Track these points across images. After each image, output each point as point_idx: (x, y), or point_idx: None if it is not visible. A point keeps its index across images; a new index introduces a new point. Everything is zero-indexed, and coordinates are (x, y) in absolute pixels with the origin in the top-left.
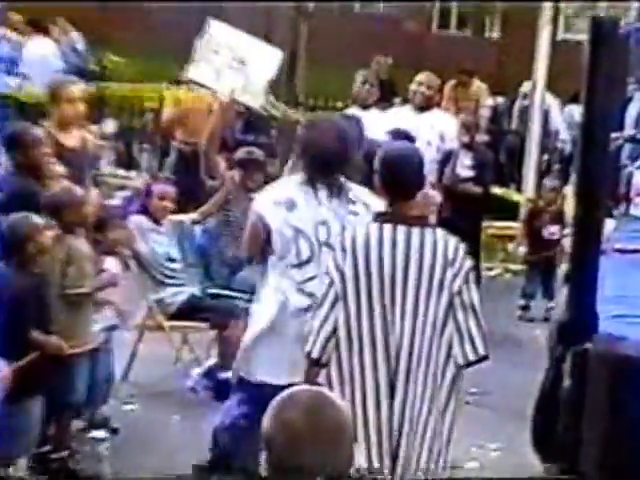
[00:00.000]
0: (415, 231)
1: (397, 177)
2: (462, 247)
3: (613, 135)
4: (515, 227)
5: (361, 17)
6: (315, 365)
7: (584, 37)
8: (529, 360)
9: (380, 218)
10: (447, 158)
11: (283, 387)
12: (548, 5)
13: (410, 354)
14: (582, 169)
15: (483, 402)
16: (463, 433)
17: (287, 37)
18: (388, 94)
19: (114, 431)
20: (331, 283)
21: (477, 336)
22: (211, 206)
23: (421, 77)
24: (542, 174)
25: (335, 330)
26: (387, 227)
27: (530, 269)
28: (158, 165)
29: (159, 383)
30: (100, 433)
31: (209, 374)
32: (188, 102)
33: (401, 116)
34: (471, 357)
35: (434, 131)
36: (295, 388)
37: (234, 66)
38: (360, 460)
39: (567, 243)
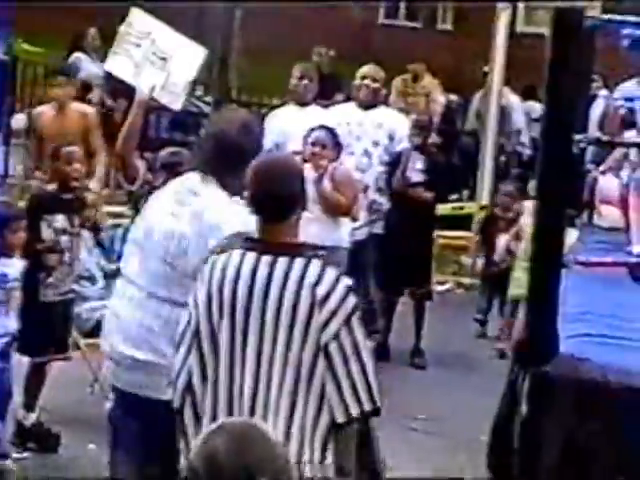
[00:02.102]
0: (281, 261)
1: (267, 194)
2: (343, 283)
3: (577, 137)
4: (469, 237)
5: (301, 4)
6: (177, 414)
7: (545, 30)
8: (484, 382)
9: (245, 243)
10: (396, 160)
11: None
12: None
13: (264, 416)
14: (542, 174)
15: (432, 429)
16: (409, 463)
17: (219, 23)
18: (330, 89)
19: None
20: (189, 320)
21: (361, 386)
22: None
23: (365, 70)
24: (499, 179)
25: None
26: (249, 256)
27: (483, 283)
28: None
29: (73, 408)
30: (4, 464)
31: None
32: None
33: (345, 113)
34: (353, 412)
35: (382, 130)
36: (227, 419)
37: (155, 62)
38: None
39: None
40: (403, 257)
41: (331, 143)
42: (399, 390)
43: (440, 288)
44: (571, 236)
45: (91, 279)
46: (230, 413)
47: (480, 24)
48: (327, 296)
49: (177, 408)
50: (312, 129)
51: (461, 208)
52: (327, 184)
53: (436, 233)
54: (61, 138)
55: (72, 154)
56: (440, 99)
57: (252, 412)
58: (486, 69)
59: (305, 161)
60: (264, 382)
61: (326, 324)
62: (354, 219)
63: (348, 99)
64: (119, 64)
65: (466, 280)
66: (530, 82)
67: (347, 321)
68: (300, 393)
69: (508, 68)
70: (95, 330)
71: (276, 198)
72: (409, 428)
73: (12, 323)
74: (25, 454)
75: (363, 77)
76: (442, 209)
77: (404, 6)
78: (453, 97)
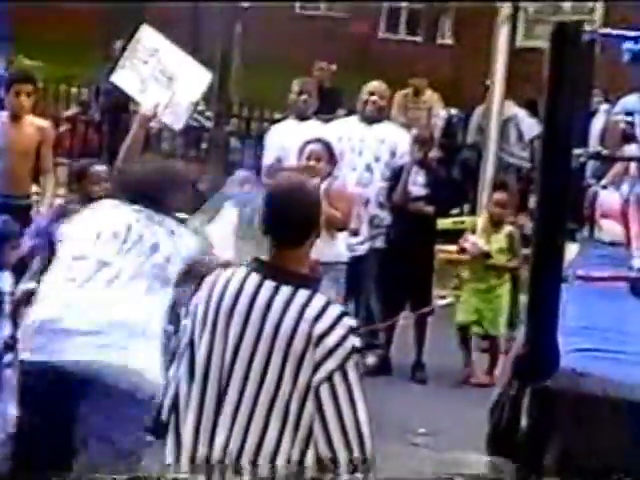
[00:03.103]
0: (284, 290)
1: (282, 218)
2: (346, 323)
3: (576, 151)
4: None
5: (302, 18)
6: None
7: (545, 44)
8: (485, 396)
9: (252, 264)
10: (397, 175)
11: None
12: (506, 6)
13: (240, 451)
14: (542, 188)
15: (433, 444)
16: (409, 477)
17: (219, 37)
18: (332, 104)
19: None
20: (185, 330)
21: (352, 434)
22: None
23: (373, 86)
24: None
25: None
26: (253, 277)
27: None
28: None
29: None
30: None
31: None
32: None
33: (346, 128)
34: (341, 458)
35: (384, 146)
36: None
37: (161, 80)
38: None
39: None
40: (404, 271)
41: (326, 156)
42: (400, 404)
43: (441, 302)
44: (571, 250)
45: None
46: (204, 439)
47: (480, 38)
48: (326, 334)
49: (165, 422)
50: (307, 142)
51: (462, 222)
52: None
53: (437, 247)
54: (13, 152)
55: (99, 174)
56: (441, 113)
57: (227, 442)
58: (488, 82)
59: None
60: (244, 413)
61: (320, 364)
62: (355, 233)
63: (349, 114)
64: (125, 78)
65: None
66: (529, 96)
67: (342, 364)
68: (284, 441)
69: (508, 82)
70: None
71: (290, 224)
72: (410, 443)
73: (5, 331)
74: None
75: (371, 93)
76: (443, 223)
77: (405, 20)
78: (454, 111)
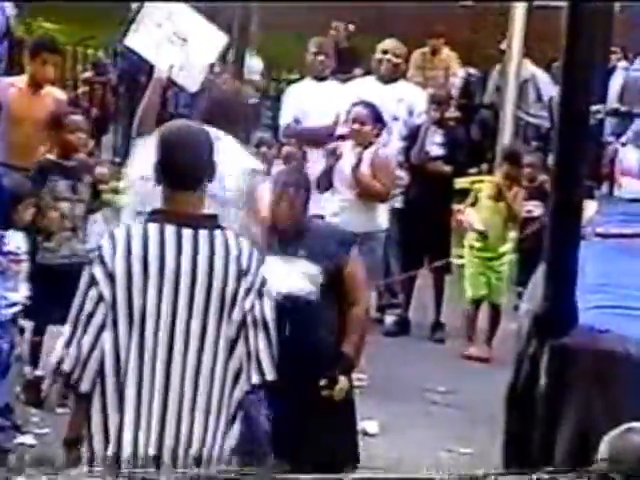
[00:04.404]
0: (203, 234)
1: (183, 162)
2: (256, 254)
3: (594, 108)
4: None
5: None
6: (85, 399)
7: (563, 3)
8: (503, 354)
9: (159, 216)
10: (415, 134)
11: None
12: None
13: (193, 396)
14: (560, 145)
15: (451, 401)
16: (429, 436)
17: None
18: (349, 64)
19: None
20: (100, 298)
21: (265, 357)
22: None
23: (387, 44)
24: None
25: (103, 359)
26: (170, 229)
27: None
28: (95, 145)
29: None
30: (27, 439)
31: None
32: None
33: (364, 88)
34: (255, 380)
35: (402, 105)
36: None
37: (175, 42)
38: None
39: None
40: (422, 231)
41: (370, 120)
42: (419, 363)
43: (458, 261)
44: (590, 208)
45: None
46: (158, 396)
47: None
48: (248, 269)
49: (85, 392)
50: (354, 104)
51: (480, 182)
52: (366, 170)
53: (456, 206)
54: (30, 122)
55: (76, 123)
56: (459, 73)
57: (182, 392)
58: (503, 47)
59: (342, 138)
60: (193, 362)
61: (246, 297)
62: None
63: (367, 74)
64: (140, 41)
65: None
66: (544, 54)
67: (260, 292)
68: (226, 374)
69: (527, 41)
70: None
71: (191, 166)
72: (430, 401)
73: (22, 293)
74: (45, 430)
75: (385, 51)
76: (461, 183)
77: None
78: (472, 71)
